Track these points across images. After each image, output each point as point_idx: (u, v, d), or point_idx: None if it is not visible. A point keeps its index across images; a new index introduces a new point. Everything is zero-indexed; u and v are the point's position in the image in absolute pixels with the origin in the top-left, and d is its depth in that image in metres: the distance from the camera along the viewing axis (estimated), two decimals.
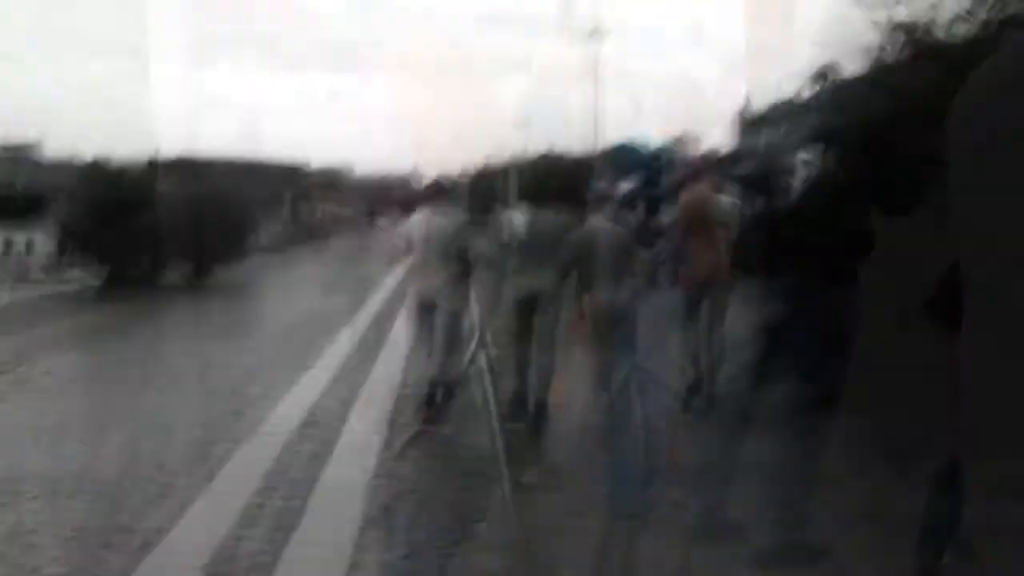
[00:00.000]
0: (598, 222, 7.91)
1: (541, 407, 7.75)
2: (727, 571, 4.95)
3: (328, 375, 11.09)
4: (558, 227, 7.92)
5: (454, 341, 7.87)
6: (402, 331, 15.06)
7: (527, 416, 7.65)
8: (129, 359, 12.76)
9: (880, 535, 5.04)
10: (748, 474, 5.29)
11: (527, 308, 7.92)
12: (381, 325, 16.38)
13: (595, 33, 46.15)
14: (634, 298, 7.56)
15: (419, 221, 8.43)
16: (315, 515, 6.00)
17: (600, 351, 7.37)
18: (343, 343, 13.86)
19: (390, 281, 26.85)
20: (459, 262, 8.07)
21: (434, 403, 7.99)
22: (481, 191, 14.46)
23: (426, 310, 8.18)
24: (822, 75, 9.26)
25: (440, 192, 8.75)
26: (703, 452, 5.84)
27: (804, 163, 6.30)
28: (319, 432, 8.19)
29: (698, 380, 8.11)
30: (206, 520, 5.89)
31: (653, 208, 11.36)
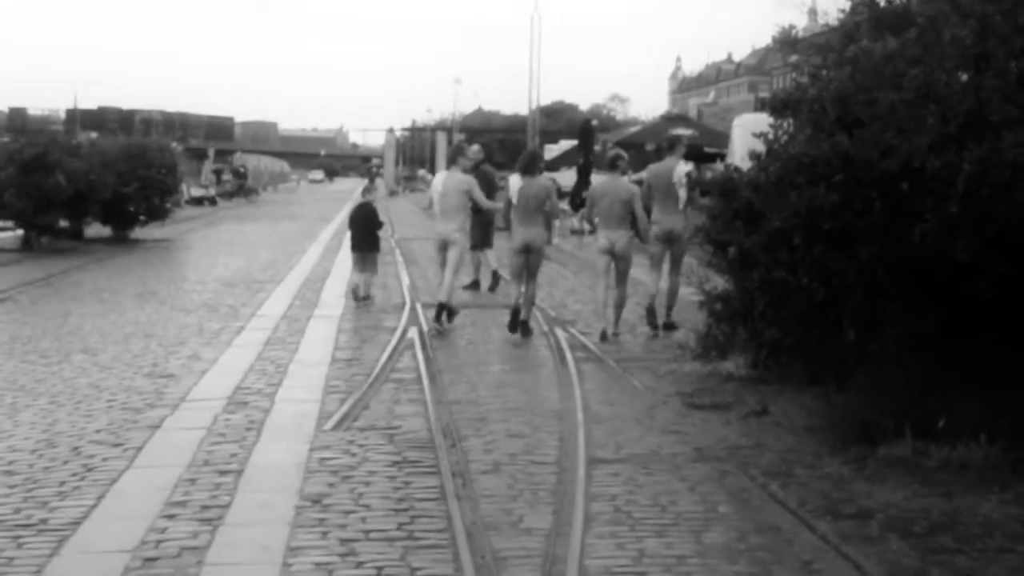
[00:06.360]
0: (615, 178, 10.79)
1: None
2: None
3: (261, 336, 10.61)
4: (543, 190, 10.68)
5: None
6: (334, 292, 14.57)
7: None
8: (45, 323, 12.15)
9: None
10: None
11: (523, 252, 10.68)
12: (314, 283, 15.84)
13: None
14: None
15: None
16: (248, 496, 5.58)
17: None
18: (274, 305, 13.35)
19: (323, 238, 26.24)
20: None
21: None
22: None
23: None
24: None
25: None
26: None
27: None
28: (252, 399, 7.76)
29: None
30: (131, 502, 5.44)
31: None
